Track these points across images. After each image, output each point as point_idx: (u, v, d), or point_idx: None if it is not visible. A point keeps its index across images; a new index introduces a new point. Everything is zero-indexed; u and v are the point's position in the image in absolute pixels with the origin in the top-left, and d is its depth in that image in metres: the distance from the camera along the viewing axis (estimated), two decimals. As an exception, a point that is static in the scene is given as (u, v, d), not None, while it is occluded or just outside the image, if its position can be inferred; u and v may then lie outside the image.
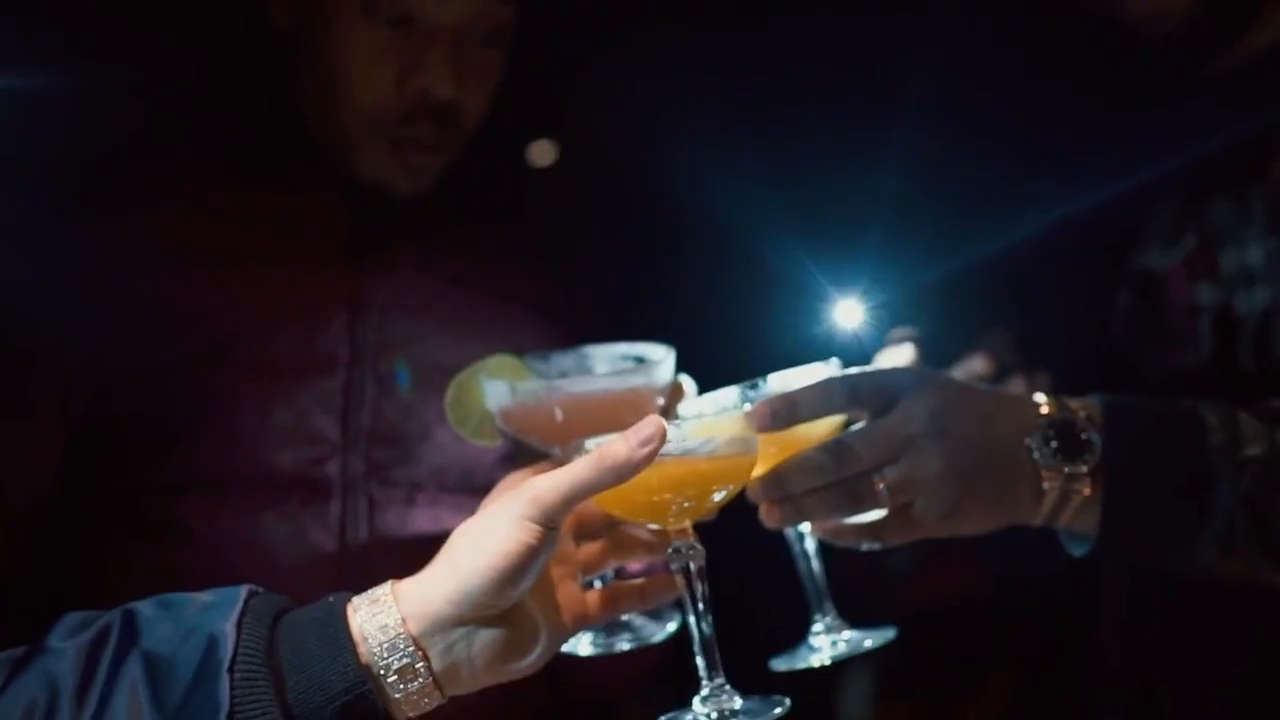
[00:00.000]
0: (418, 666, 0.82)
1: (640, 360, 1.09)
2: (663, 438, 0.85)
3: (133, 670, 0.80)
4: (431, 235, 1.44)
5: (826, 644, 1.08)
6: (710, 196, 1.48)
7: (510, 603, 0.85)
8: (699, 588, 0.93)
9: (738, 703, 0.91)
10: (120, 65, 1.32)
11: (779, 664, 1.08)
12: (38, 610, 0.90)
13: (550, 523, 0.84)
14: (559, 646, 0.92)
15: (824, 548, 1.13)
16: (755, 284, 1.51)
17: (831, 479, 1.04)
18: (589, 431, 0.91)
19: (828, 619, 1.10)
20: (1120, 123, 1.37)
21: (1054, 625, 1.56)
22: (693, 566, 0.93)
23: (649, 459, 0.84)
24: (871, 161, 1.42)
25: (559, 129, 1.66)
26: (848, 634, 1.09)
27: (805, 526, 1.11)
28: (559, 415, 1.03)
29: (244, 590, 0.85)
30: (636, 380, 1.05)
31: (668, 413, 1.09)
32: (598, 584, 1.02)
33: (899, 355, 1.31)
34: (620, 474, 0.84)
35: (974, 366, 1.39)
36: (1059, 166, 1.40)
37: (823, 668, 1.07)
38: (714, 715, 0.91)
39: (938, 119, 1.41)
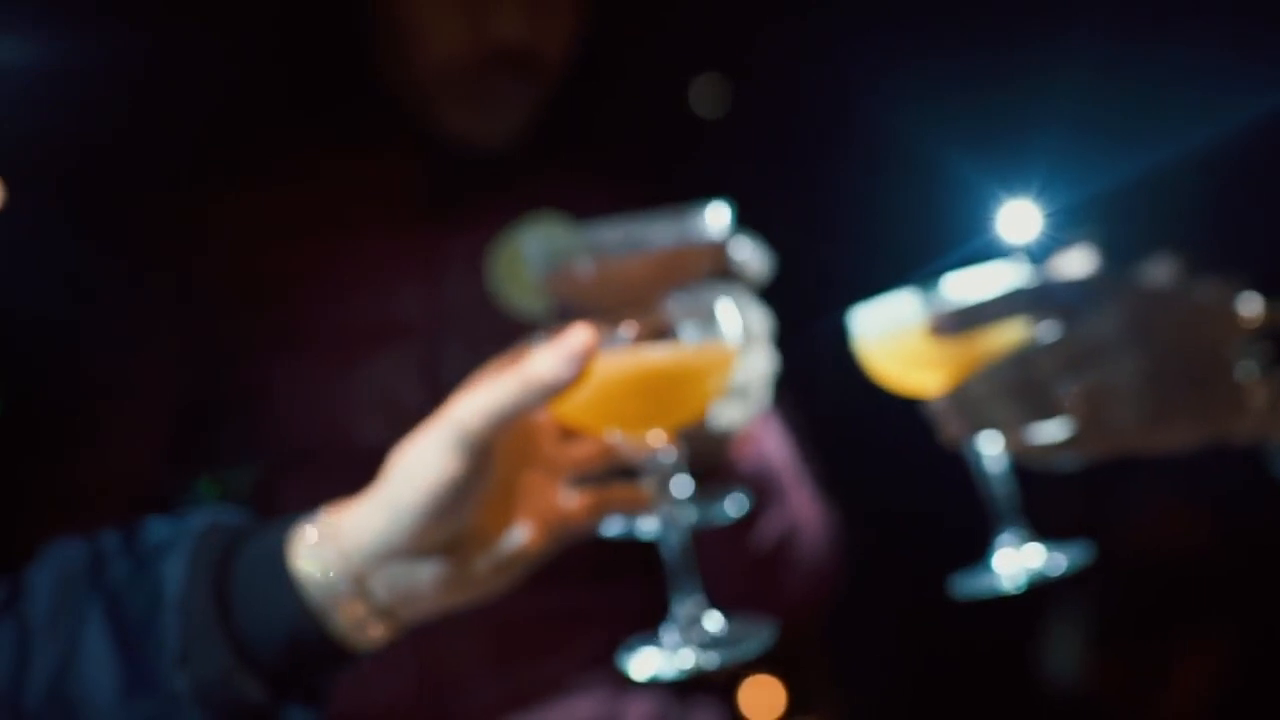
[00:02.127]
0: (357, 603, 0.78)
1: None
2: (592, 348, 0.77)
3: (96, 609, 0.79)
4: (515, 190, 1.36)
5: (1013, 566, 1.01)
6: (869, 110, 1.39)
7: (453, 531, 0.79)
8: (669, 503, 0.85)
9: (714, 629, 0.84)
10: (185, 40, 1.31)
11: (962, 588, 1.02)
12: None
13: (477, 449, 0.76)
14: (534, 561, 0.85)
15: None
16: (920, 192, 1.42)
17: (1019, 390, 0.97)
18: (631, 291, 0.83)
19: (1014, 540, 1.02)
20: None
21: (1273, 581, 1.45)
22: (662, 480, 0.85)
23: (577, 373, 0.77)
24: (1053, 50, 1.31)
25: (670, 62, 1.59)
26: (1036, 554, 1.01)
27: (993, 444, 1.03)
28: (595, 272, 0.95)
29: (199, 522, 0.82)
30: (675, 230, 0.95)
31: (724, 271, 0.99)
32: None
33: (1078, 263, 1.22)
34: (548, 391, 0.77)
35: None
36: (1268, 50, 1.27)
37: (1018, 614, 1.00)
38: (683, 644, 0.82)
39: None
